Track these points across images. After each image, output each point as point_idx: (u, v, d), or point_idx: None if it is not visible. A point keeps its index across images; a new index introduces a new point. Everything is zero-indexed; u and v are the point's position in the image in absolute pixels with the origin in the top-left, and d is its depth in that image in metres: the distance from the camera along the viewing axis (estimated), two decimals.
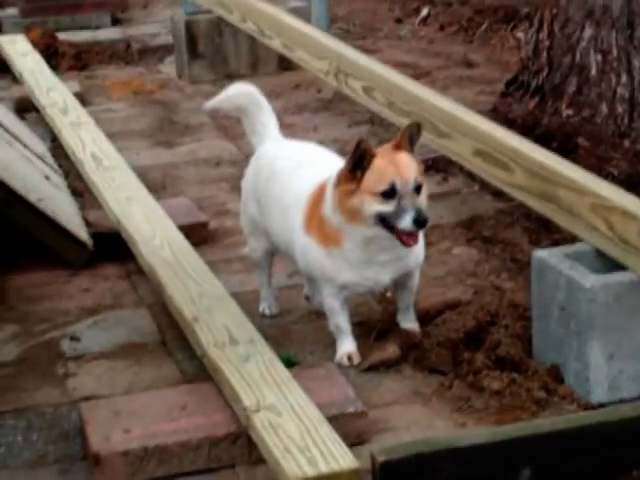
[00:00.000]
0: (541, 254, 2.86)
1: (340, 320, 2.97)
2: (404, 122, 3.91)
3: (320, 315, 3.20)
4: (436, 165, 4.17)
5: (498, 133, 3.40)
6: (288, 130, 4.91)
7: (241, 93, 3.26)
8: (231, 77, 5.80)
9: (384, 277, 2.91)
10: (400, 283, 2.99)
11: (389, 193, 2.73)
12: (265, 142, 3.22)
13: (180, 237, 3.56)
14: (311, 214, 2.91)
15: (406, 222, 2.72)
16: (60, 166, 4.44)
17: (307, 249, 2.92)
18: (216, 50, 5.83)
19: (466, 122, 3.51)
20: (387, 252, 2.85)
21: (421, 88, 3.94)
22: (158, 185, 4.37)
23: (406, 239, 2.78)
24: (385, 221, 2.76)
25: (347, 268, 2.87)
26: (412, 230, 2.74)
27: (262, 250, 3.21)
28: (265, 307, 3.29)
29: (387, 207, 2.74)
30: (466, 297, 3.24)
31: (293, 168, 3.06)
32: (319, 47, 4.58)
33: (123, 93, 5.74)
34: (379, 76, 4.10)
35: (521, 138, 3.38)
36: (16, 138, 4.27)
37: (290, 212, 2.98)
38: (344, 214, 2.79)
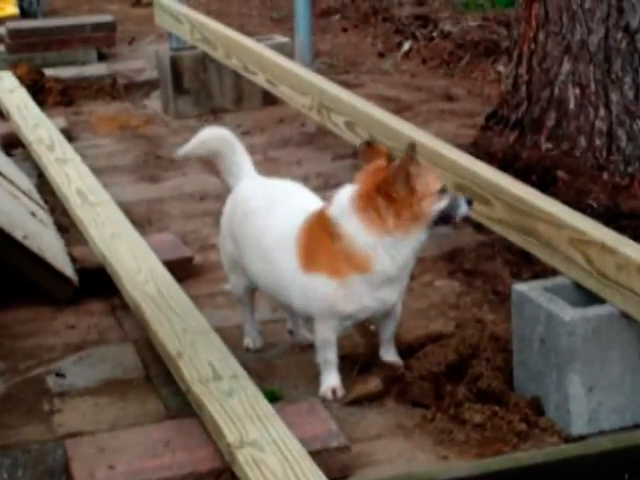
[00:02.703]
0: (520, 288, 2.89)
1: (330, 354, 2.98)
2: None
3: (304, 349, 3.23)
4: None
5: (478, 168, 3.45)
6: (272, 164, 4.97)
7: (214, 137, 3.23)
8: (216, 112, 5.87)
9: (392, 296, 2.94)
10: (386, 312, 3.01)
11: (443, 189, 2.91)
12: (242, 181, 3.21)
13: (165, 272, 3.58)
14: (310, 252, 2.88)
15: (464, 207, 2.93)
16: (46, 202, 4.46)
17: (311, 287, 2.89)
18: (201, 85, 5.88)
19: (446, 157, 3.56)
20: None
21: (402, 123, 3.99)
22: (143, 220, 4.39)
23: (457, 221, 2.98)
24: (441, 217, 2.90)
25: (363, 293, 2.87)
26: (469, 211, 2.96)
27: (243, 287, 3.22)
28: (249, 341, 3.30)
29: (444, 202, 2.90)
30: (448, 330, 3.27)
31: (267, 208, 3.03)
32: (302, 83, 4.64)
33: (109, 128, 5.78)
34: (361, 112, 4.16)
35: (500, 173, 3.43)
36: (2, 175, 4.29)
37: (274, 255, 2.96)
38: (399, 232, 2.83)
